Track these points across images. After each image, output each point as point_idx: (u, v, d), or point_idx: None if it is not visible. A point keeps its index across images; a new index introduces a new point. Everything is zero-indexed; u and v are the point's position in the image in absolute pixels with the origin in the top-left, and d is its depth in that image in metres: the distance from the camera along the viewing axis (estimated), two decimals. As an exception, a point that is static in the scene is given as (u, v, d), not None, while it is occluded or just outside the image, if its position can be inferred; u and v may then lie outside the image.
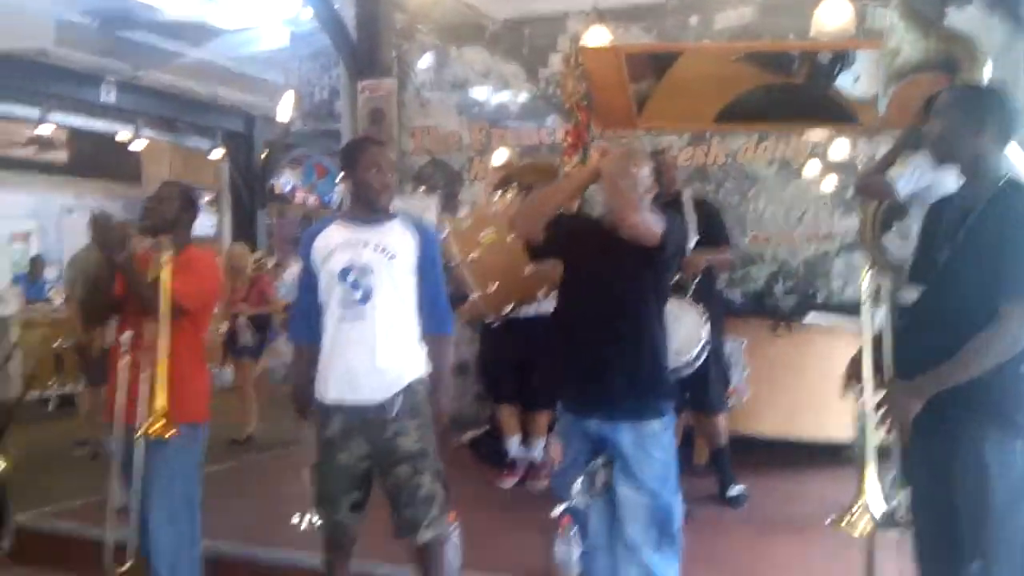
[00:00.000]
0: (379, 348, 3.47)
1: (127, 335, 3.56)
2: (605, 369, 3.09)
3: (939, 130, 2.74)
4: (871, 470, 2.57)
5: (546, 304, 4.75)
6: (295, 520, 3.46)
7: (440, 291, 3.64)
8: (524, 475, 5.49)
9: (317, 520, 3.46)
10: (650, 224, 3.02)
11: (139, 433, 3.45)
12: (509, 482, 5.47)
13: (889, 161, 4.46)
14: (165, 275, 3.54)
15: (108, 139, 14.09)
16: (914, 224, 4.33)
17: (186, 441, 3.57)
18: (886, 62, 4.50)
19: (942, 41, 4.26)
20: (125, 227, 3.66)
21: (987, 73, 4.04)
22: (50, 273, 12.50)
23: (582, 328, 3.17)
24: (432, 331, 3.62)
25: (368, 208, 3.62)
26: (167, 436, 3.45)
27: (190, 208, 3.84)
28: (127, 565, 3.59)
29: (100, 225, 3.54)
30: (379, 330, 3.47)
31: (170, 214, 3.74)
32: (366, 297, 3.48)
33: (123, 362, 3.56)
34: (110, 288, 3.65)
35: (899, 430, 2.63)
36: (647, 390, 3.12)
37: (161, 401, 3.46)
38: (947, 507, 2.55)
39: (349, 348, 3.48)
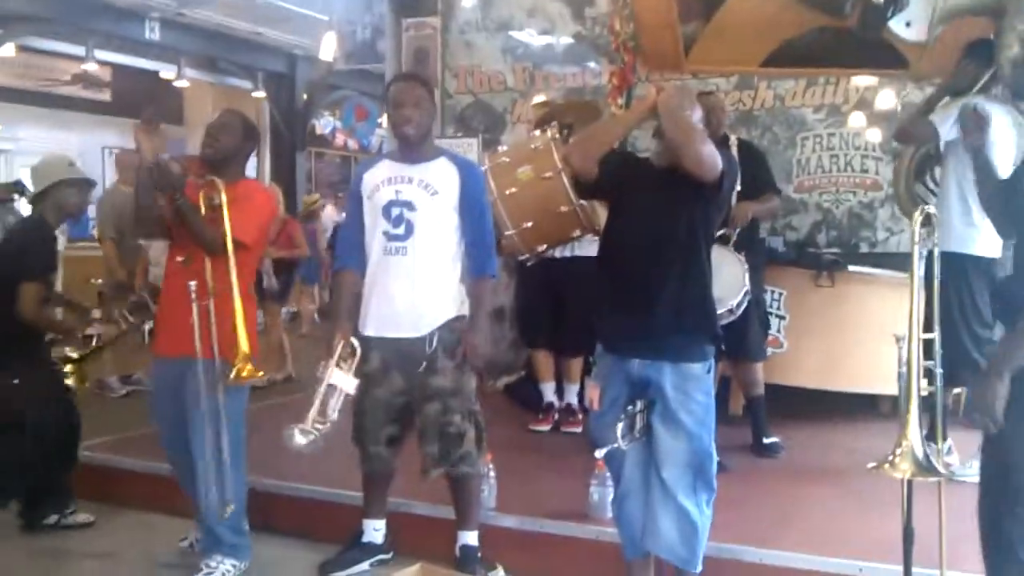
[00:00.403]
0: (419, 284, 3.48)
1: (193, 284, 3.52)
2: (651, 305, 3.04)
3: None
4: (914, 415, 2.53)
5: (582, 246, 4.73)
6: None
7: (484, 231, 3.61)
8: (558, 420, 5.51)
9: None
10: (716, 158, 2.97)
11: (231, 378, 3.46)
12: (543, 427, 5.49)
13: (931, 106, 4.37)
14: (225, 213, 3.51)
15: (151, 78, 14.12)
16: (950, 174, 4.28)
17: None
18: (938, 3, 4.38)
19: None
20: (185, 170, 3.66)
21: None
22: (93, 211, 12.61)
23: (629, 264, 3.13)
24: (473, 272, 3.61)
25: (398, 143, 3.61)
26: (260, 376, 3.52)
27: (251, 139, 3.80)
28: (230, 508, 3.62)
29: (162, 170, 3.50)
30: (419, 266, 3.48)
31: (233, 143, 3.68)
32: (408, 233, 3.49)
33: (194, 307, 3.52)
34: (151, 198, 3.59)
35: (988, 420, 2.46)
36: (692, 329, 3.08)
37: (244, 346, 3.47)
38: (1004, 453, 2.53)
39: (390, 283, 3.51)
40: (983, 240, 4.23)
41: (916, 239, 2.72)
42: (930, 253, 2.80)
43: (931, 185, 4.93)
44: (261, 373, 3.52)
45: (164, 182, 3.49)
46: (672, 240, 3.07)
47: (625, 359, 3.11)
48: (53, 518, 4.32)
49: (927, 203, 4.68)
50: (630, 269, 3.13)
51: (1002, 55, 4.26)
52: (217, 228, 3.50)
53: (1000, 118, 4.08)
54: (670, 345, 3.05)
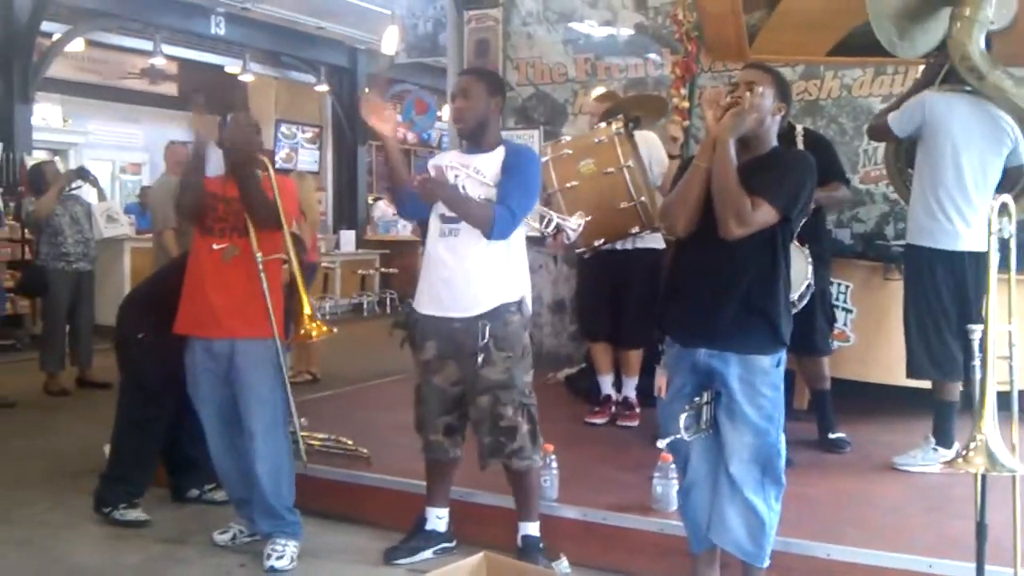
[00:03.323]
0: (469, 266, 3.53)
1: (259, 254, 3.72)
2: (720, 300, 2.99)
3: None
4: (989, 408, 2.46)
5: (643, 239, 4.69)
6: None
7: (512, 196, 3.50)
8: (615, 414, 5.47)
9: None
10: (757, 224, 2.94)
11: (301, 335, 3.82)
12: (600, 420, 5.43)
13: (902, 101, 4.35)
14: (274, 183, 3.82)
15: (217, 72, 14.32)
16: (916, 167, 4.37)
17: (280, 353, 3.80)
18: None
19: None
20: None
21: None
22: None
23: (697, 256, 3.08)
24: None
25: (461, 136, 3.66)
26: (327, 332, 3.84)
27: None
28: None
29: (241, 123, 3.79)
30: (471, 250, 3.53)
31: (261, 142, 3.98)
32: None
33: (265, 277, 3.73)
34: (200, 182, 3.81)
35: None
36: (758, 322, 3.01)
37: (308, 308, 3.80)
38: None
39: (442, 265, 3.59)
40: (945, 233, 4.29)
41: (991, 230, 2.65)
42: (1005, 243, 2.73)
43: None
44: (326, 328, 3.69)
45: (240, 138, 3.76)
46: (749, 246, 2.99)
47: (691, 348, 3.07)
48: (195, 492, 4.53)
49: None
50: (696, 263, 3.08)
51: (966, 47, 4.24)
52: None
53: (961, 107, 4.26)
54: (734, 337, 2.99)
